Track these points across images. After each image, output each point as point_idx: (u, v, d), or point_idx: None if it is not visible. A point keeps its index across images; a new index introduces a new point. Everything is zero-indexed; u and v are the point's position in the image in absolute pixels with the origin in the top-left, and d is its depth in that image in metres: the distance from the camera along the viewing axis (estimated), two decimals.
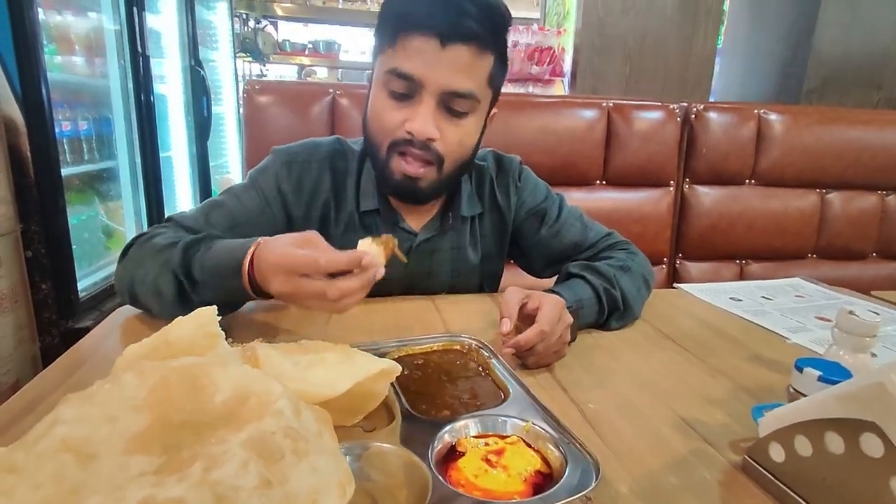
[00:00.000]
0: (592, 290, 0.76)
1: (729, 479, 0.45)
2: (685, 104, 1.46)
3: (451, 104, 0.72)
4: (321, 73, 4.12)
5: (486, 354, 0.63)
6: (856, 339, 0.54)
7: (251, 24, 3.76)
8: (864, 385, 0.37)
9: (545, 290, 0.70)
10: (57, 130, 1.48)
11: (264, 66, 3.86)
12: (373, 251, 0.58)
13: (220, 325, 0.48)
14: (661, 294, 0.98)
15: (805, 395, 0.48)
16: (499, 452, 0.44)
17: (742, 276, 1.53)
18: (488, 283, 0.96)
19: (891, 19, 1.85)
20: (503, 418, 0.49)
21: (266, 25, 3.85)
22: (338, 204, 0.84)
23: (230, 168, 3.41)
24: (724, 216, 1.49)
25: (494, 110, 0.82)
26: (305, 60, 3.88)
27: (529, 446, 0.46)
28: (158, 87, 2.21)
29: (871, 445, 0.36)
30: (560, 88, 2.22)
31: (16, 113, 1.37)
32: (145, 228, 0.80)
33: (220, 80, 3.22)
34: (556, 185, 1.38)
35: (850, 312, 0.54)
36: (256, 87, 1.26)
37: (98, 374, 0.41)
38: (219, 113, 3.12)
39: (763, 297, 0.97)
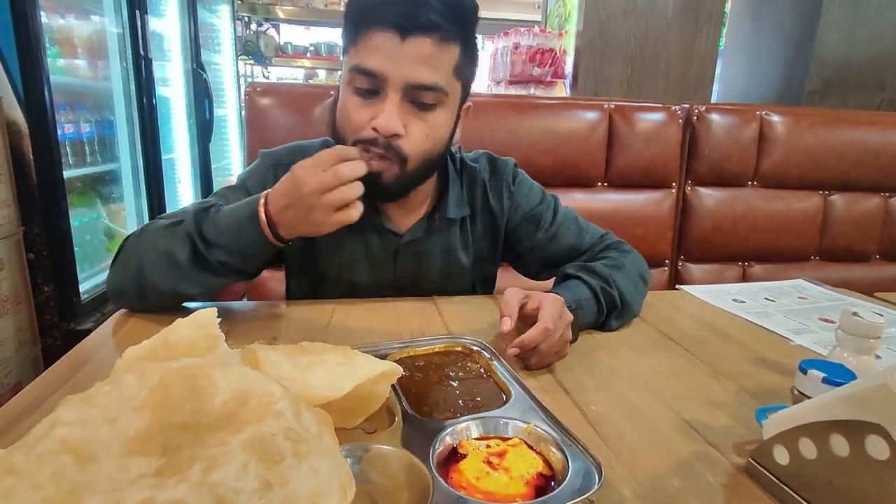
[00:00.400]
0: (590, 289, 0.76)
1: (733, 482, 0.45)
2: (687, 106, 1.46)
3: (417, 97, 0.71)
4: (322, 76, 4.13)
5: (488, 356, 0.62)
6: (860, 341, 0.53)
7: (253, 27, 3.77)
8: (868, 387, 0.37)
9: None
10: (59, 133, 1.48)
11: (266, 69, 3.87)
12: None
13: (220, 327, 0.48)
14: (664, 296, 0.98)
15: (809, 397, 0.48)
16: (500, 454, 0.44)
17: (744, 278, 1.53)
18: (481, 286, 0.95)
19: (893, 20, 1.84)
20: (505, 420, 0.49)
21: (268, 28, 3.86)
22: None
23: (232, 171, 3.42)
24: (727, 218, 1.49)
25: (469, 103, 0.81)
26: (307, 63, 3.89)
27: (531, 448, 0.45)
28: (161, 90, 2.22)
29: (877, 448, 0.36)
30: (561, 90, 2.23)
31: (18, 115, 1.37)
32: None
33: (222, 82, 3.23)
34: (558, 187, 1.39)
35: (854, 314, 0.54)
36: (258, 89, 1.27)
37: (98, 375, 0.41)
38: (221, 115, 3.12)
39: (766, 298, 0.97)
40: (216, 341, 0.45)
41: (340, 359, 0.47)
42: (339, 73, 0.81)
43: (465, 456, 0.44)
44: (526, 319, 0.64)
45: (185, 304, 0.76)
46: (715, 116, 1.46)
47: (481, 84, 2.68)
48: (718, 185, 1.50)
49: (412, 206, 0.86)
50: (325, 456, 0.35)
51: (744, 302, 0.94)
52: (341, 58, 0.78)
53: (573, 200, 1.39)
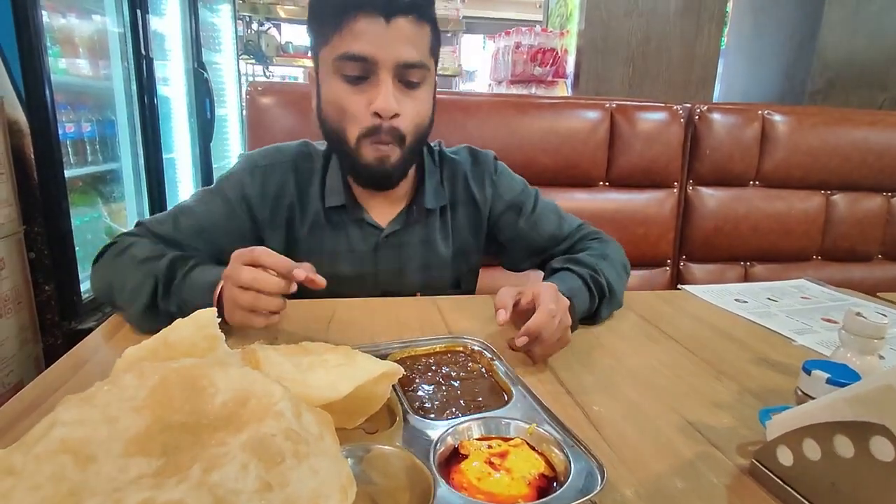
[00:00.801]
0: (580, 279, 0.77)
1: (736, 484, 0.45)
2: (689, 105, 1.46)
3: (406, 76, 0.74)
4: None
5: (489, 356, 0.62)
6: (863, 341, 0.53)
7: (254, 26, 3.77)
8: (873, 388, 0.36)
9: None
10: (60, 132, 1.48)
11: (268, 68, 3.87)
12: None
13: (221, 327, 0.48)
14: (666, 296, 0.98)
15: (813, 398, 0.48)
16: (502, 455, 0.44)
17: (746, 278, 1.52)
18: (465, 279, 0.96)
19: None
20: (506, 420, 0.48)
21: (269, 28, 3.86)
22: (303, 204, 0.85)
23: None
24: (729, 217, 1.48)
25: (436, 83, 0.84)
26: (308, 63, 3.89)
27: (533, 449, 0.45)
28: (162, 90, 2.22)
29: (882, 449, 0.35)
30: (563, 90, 2.22)
31: (20, 115, 1.37)
32: None
33: (223, 82, 3.23)
34: (560, 187, 1.39)
35: (858, 314, 0.53)
36: (259, 88, 1.26)
37: (99, 375, 0.40)
38: (222, 115, 3.13)
39: (768, 298, 0.96)
40: (216, 341, 0.45)
41: (341, 359, 0.47)
42: (311, 68, 0.81)
43: (466, 456, 0.44)
44: (522, 315, 0.64)
45: None
46: (717, 116, 1.45)
47: (482, 83, 2.67)
48: (720, 184, 1.49)
49: (393, 198, 0.87)
50: (326, 457, 0.34)
51: (746, 302, 0.93)
52: (312, 52, 0.79)
53: (574, 200, 1.39)
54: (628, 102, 1.42)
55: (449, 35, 3.63)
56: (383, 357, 0.56)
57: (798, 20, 1.92)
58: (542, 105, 1.39)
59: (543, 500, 0.39)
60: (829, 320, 0.86)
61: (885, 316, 0.53)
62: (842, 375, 0.48)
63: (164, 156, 2.20)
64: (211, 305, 0.61)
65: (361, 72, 0.72)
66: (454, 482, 0.41)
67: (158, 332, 0.66)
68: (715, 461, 0.48)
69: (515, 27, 2.27)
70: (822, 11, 1.81)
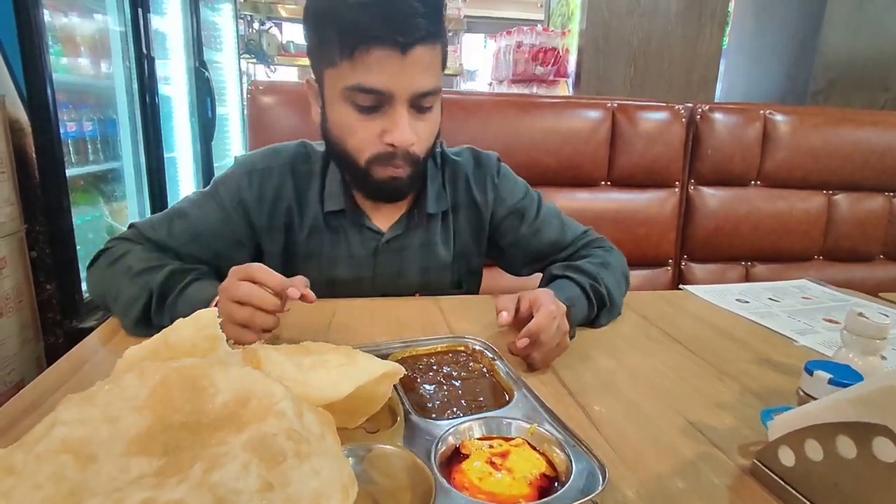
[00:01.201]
0: (579, 287, 0.76)
1: (738, 484, 0.45)
2: (690, 105, 1.46)
3: (420, 103, 0.72)
4: None
5: (490, 356, 0.62)
6: (865, 342, 0.53)
7: (256, 25, 3.76)
8: (876, 388, 0.36)
9: None
10: (62, 131, 1.48)
11: (269, 67, 3.87)
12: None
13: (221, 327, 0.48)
14: (667, 296, 0.98)
15: (815, 399, 0.48)
16: (503, 455, 0.44)
17: (748, 278, 1.52)
18: (467, 281, 0.95)
19: None
20: (508, 420, 0.48)
21: (270, 27, 3.86)
22: (301, 208, 0.84)
23: None
24: (730, 217, 1.48)
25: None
26: (308, 62, 3.88)
27: (534, 449, 0.45)
28: (163, 89, 2.22)
29: (884, 450, 0.35)
30: (564, 89, 2.22)
31: (21, 114, 1.37)
32: None
33: (224, 81, 3.23)
34: (561, 187, 1.39)
35: (860, 314, 0.53)
36: (260, 87, 1.26)
37: (100, 374, 0.40)
38: (223, 114, 3.13)
39: (770, 298, 0.96)
40: (217, 342, 0.45)
41: (342, 359, 0.47)
42: (312, 77, 0.77)
43: (467, 456, 0.44)
44: (520, 321, 0.64)
45: None
46: (718, 116, 1.45)
47: (483, 83, 2.67)
48: (722, 184, 1.49)
49: (394, 203, 0.85)
50: (327, 456, 0.34)
51: (747, 302, 0.93)
52: (313, 63, 0.75)
53: (576, 200, 1.39)
54: (630, 102, 1.42)
55: (450, 34, 3.63)
56: (384, 357, 0.56)
57: (800, 20, 1.91)
58: (544, 105, 1.39)
59: (545, 499, 0.39)
60: (830, 321, 0.86)
61: (887, 316, 0.53)
62: (844, 376, 0.47)
63: (166, 155, 2.20)
64: None
65: (374, 102, 0.70)
66: (455, 482, 0.41)
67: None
68: (716, 461, 0.48)
69: (517, 26, 2.27)
70: (823, 11, 1.81)
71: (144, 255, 0.74)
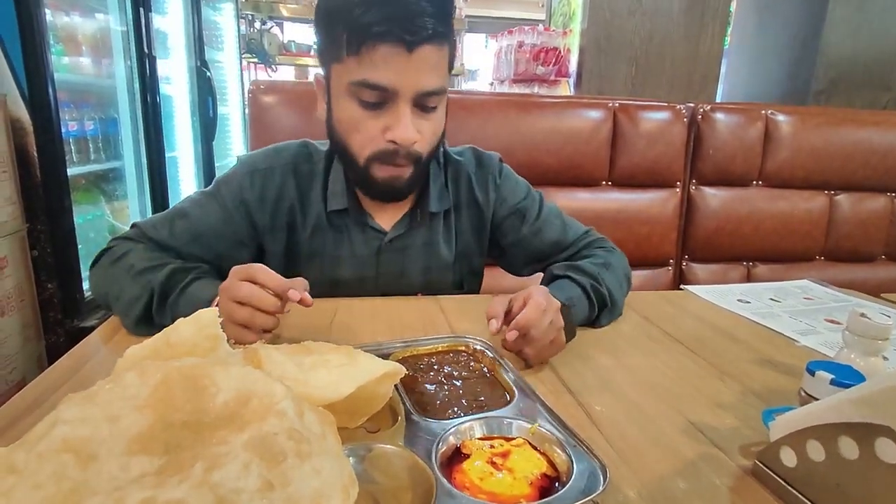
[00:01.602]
0: (580, 287, 0.76)
1: (739, 485, 0.45)
2: (692, 105, 1.45)
3: (424, 102, 0.72)
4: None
5: (491, 356, 0.62)
6: (867, 342, 0.53)
7: (257, 24, 3.76)
8: (878, 389, 0.36)
9: None
10: (63, 130, 1.48)
11: (272, 67, 3.87)
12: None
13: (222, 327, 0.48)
14: (668, 296, 0.97)
15: (817, 399, 0.48)
16: (504, 455, 0.44)
17: (749, 278, 1.52)
18: (468, 281, 0.95)
19: None
20: (508, 420, 0.48)
21: (272, 27, 3.86)
22: (304, 207, 0.84)
23: None
24: (731, 217, 1.48)
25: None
26: (310, 61, 3.88)
27: (535, 449, 0.45)
28: (164, 88, 2.22)
29: (887, 451, 0.35)
30: (565, 89, 2.22)
31: (23, 113, 1.38)
32: None
33: (225, 80, 3.23)
34: (562, 186, 1.39)
35: (862, 315, 0.53)
36: (261, 87, 1.26)
37: (101, 373, 0.40)
38: (224, 113, 3.13)
39: (771, 299, 0.96)
40: (218, 341, 0.45)
41: (343, 359, 0.47)
42: (318, 72, 0.78)
43: (468, 456, 0.44)
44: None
45: None
46: (720, 116, 1.45)
47: (484, 82, 2.67)
48: (723, 184, 1.49)
49: (397, 202, 0.85)
50: (328, 456, 0.34)
51: (749, 302, 0.93)
52: (321, 59, 0.76)
53: (577, 200, 1.39)
54: (631, 102, 1.42)
55: None
56: (385, 356, 0.56)
57: (802, 19, 1.91)
58: (545, 104, 1.39)
59: (545, 500, 0.39)
60: (832, 321, 0.86)
61: (889, 317, 0.52)
62: (846, 376, 0.47)
63: (167, 154, 2.20)
64: None
65: (379, 98, 0.70)
66: (456, 482, 0.41)
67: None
68: (718, 462, 0.48)
69: (518, 26, 2.27)
70: (826, 10, 1.80)
71: (146, 255, 0.74)
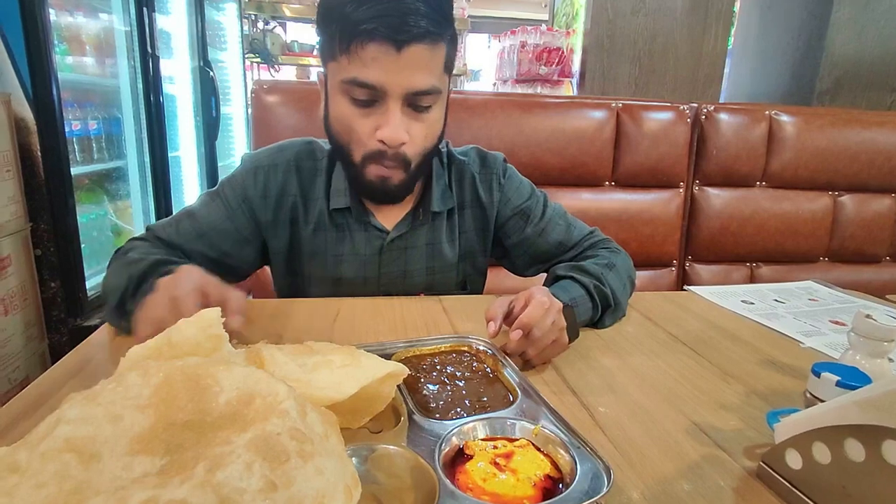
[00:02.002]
0: (583, 288, 0.76)
1: (743, 486, 0.44)
2: (695, 105, 1.45)
3: (416, 102, 0.72)
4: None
5: (495, 356, 0.62)
6: (873, 344, 0.52)
7: (260, 24, 3.77)
8: (885, 391, 0.36)
9: None
10: (67, 130, 1.49)
11: (273, 67, 3.87)
12: None
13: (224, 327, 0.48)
14: (671, 296, 0.97)
15: (823, 401, 0.47)
16: (507, 456, 0.43)
17: (752, 279, 1.52)
18: (472, 282, 0.95)
19: None
20: (512, 421, 0.48)
21: (275, 27, 3.86)
22: (306, 204, 0.84)
23: None
24: (735, 218, 1.48)
25: (451, 88, 0.82)
26: (313, 61, 3.89)
27: (539, 450, 0.45)
28: (167, 88, 2.22)
29: (894, 453, 0.35)
30: (568, 89, 2.22)
31: (27, 112, 1.38)
32: None
33: (228, 80, 3.24)
34: (565, 186, 1.38)
35: (868, 316, 0.53)
36: (264, 87, 1.27)
37: (104, 372, 0.40)
38: (227, 113, 3.13)
39: (775, 300, 0.96)
40: (220, 341, 0.45)
41: (346, 359, 0.47)
42: (319, 70, 0.79)
43: (471, 457, 0.43)
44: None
45: None
46: (723, 116, 1.44)
47: (487, 82, 2.67)
48: (727, 185, 1.48)
49: (391, 204, 0.85)
50: (331, 456, 0.34)
51: (753, 304, 0.92)
52: (321, 57, 0.77)
53: (580, 200, 1.38)
54: (634, 102, 1.41)
55: None
56: (388, 356, 0.56)
57: (806, 19, 1.90)
58: (548, 104, 1.39)
59: (549, 501, 0.39)
60: (837, 322, 0.85)
61: (894, 318, 0.52)
62: (852, 378, 0.47)
63: (170, 153, 2.21)
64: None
65: (369, 97, 0.71)
66: (459, 483, 0.40)
67: (122, 329, 0.66)
68: (722, 463, 0.47)
69: (521, 26, 2.26)
70: (830, 10, 1.80)
71: (144, 251, 0.75)
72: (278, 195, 0.83)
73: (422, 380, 0.57)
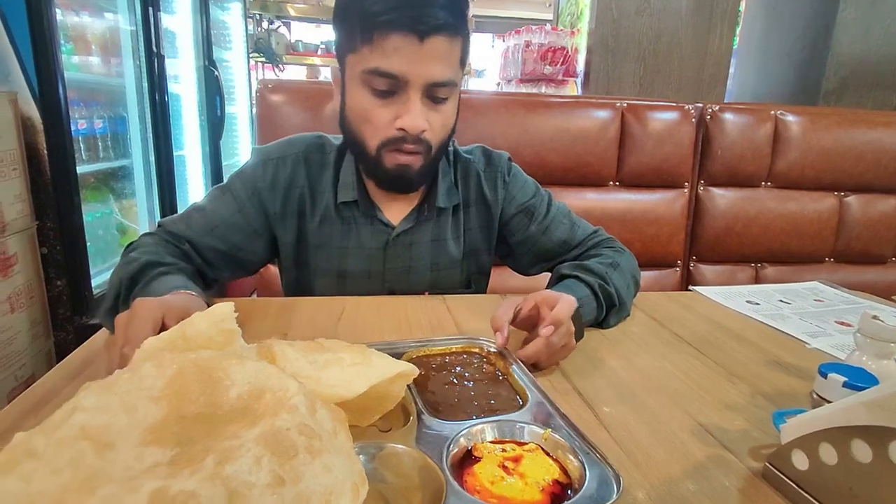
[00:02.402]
0: (588, 287, 0.76)
1: (749, 487, 0.44)
2: (700, 105, 1.45)
3: (434, 93, 0.73)
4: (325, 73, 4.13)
5: (505, 358, 0.62)
6: (880, 345, 0.53)
7: (265, 24, 3.78)
8: (892, 392, 0.36)
9: None
10: (73, 129, 1.49)
11: (278, 66, 3.88)
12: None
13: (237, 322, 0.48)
14: (676, 297, 0.97)
15: (829, 402, 0.47)
16: (516, 459, 0.43)
17: (757, 280, 1.51)
18: (476, 280, 0.95)
19: None
20: (521, 424, 0.48)
21: (279, 26, 3.87)
22: (314, 196, 0.85)
23: None
24: (740, 218, 1.47)
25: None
26: (317, 61, 3.90)
27: (548, 455, 0.45)
28: (172, 87, 2.23)
29: None
30: (573, 89, 2.21)
31: (33, 111, 1.39)
32: None
33: (233, 79, 3.24)
34: (570, 186, 1.38)
35: (874, 317, 0.53)
36: (269, 86, 1.27)
37: (108, 371, 0.41)
38: (232, 113, 3.14)
39: (780, 300, 0.95)
40: (233, 336, 0.45)
41: (356, 357, 0.47)
42: (334, 65, 0.80)
43: (479, 459, 0.43)
44: (526, 322, 0.64)
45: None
46: (729, 116, 1.44)
47: (491, 82, 2.67)
48: (732, 185, 1.48)
49: (405, 196, 0.86)
50: (339, 454, 0.34)
51: (758, 304, 0.92)
52: (337, 51, 0.78)
53: (585, 200, 1.38)
54: (639, 102, 1.41)
55: None
56: (398, 356, 0.56)
57: (811, 19, 1.89)
58: (553, 104, 1.39)
59: None
60: (842, 323, 0.85)
61: None
62: (859, 379, 0.47)
63: (175, 153, 2.21)
64: None
65: (390, 87, 0.72)
66: (467, 484, 0.40)
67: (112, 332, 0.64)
68: (728, 464, 0.47)
69: (525, 26, 2.26)
70: (835, 10, 1.79)
71: (146, 248, 0.75)
72: (287, 187, 0.84)
73: (431, 380, 0.57)
